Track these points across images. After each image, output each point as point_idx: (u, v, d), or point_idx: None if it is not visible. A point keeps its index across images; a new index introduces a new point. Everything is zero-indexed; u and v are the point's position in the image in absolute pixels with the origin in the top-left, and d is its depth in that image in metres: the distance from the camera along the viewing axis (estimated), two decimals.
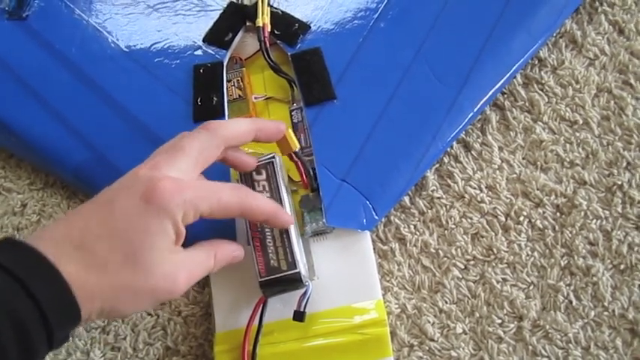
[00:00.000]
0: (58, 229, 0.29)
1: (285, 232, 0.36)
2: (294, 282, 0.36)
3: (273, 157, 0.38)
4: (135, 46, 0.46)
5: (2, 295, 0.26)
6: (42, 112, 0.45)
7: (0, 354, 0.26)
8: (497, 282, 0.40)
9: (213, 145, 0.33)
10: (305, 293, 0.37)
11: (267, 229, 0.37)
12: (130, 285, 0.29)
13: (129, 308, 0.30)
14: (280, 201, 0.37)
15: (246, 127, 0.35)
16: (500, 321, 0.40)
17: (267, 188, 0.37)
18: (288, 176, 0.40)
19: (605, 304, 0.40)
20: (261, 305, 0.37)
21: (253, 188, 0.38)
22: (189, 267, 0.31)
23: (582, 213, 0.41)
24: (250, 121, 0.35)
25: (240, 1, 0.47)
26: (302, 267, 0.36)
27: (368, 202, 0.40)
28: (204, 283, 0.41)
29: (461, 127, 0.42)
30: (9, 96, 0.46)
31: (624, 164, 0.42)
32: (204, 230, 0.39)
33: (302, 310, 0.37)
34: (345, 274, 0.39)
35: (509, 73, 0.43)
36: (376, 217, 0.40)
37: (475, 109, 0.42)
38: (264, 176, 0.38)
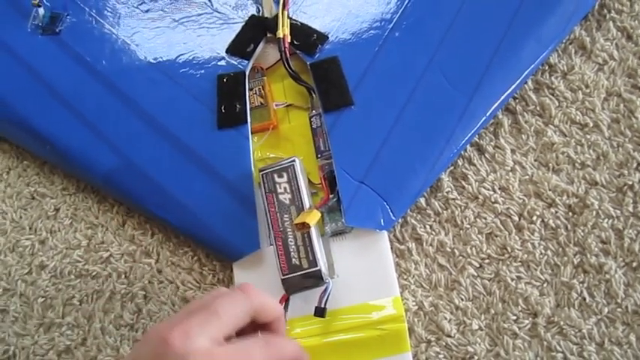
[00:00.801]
0: None
1: (306, 232, 0.38)
2: (315, 279, 0.38)
3: (294, 160, 0.40)
4: (161, 57, 0.49)
5: None
6: (74, 121, 0.47)
7: None
8: (512, 280, 0.42)
9: (247, 311, 0.32)
10: (325, 290, 0.39)
11: (289, 229, 0.38)
12: None
13: None
14: (301, 202, 0.39)
15: (277, 311, 0.34)
16: (515, 317, 0.41)
17: (287, 190, 0.39)
18: (308, 179, 0.42)
19: (619, 300, 0.41)
20: (284, 302, 0.39)
21: (275, 190, 0.39)
22: None
23: (594, 212, 0.43)
24: (280, 309, 0.34)
25: (261, 14, 0.50)
26: (322, 265, 0.38)
27: (385, 203, 0.41)
28: (228, 281, 0.43)
29: (474, 131, 0.43)
30: (43, 106, 0.48)
31: (635, 165, 0.44)
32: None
33: (323, 306, 0.38)
34: (364, 273, 0.40)
35: (520, 79, 0.44)
36: (393, 218, 0.42)
37: (487, 114, 0.43)
38: (285, 179, 0.40)
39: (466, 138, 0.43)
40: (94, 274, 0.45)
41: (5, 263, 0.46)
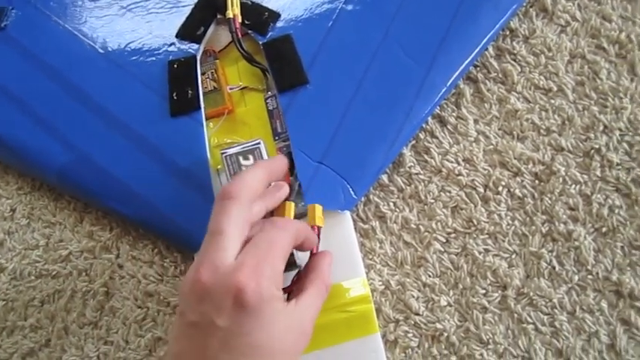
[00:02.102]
0: None
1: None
2: (290, 265, 0.37)
3: (259, 142, 0.39)
4: (110, 47, 0.47)
5: None
6: (24, 117, 0.46)
7: None
8: (480, 253, 0.41)
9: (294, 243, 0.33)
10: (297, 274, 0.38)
11: None
12: None
13: None
14: None
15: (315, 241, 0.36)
16: (484, 291, 0.40)
17: None
18: None
19: (589, 267, 0.40)
20: None
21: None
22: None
23: (561, 179, 0.41)
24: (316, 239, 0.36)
25: None
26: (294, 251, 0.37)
27: (346, 183, 0.40)
28: None
29: (434, 103, 0.42)
30: None
31: (601, 128, 0.42)
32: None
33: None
34: None
35: (479, 47, 0.43)
36: (355, 197, 0.40)
37: (447, 85, 0.42)
38: (251, 161, 0.38)
39: (426, 111, 0.42)
40: (54, 273, 0.44)
41: None
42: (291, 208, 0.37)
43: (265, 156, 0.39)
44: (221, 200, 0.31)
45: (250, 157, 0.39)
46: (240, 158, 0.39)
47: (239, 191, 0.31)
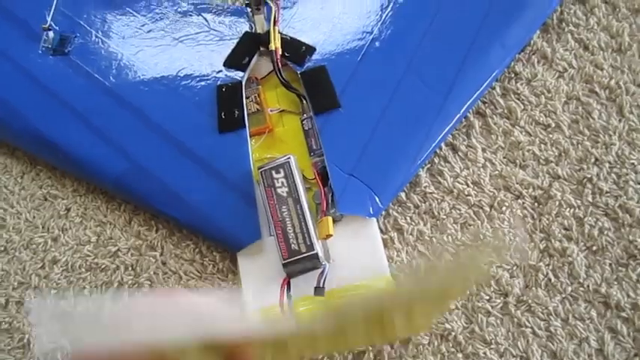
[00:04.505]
0: None
1: (303, 221, 0.43)
2: (312, 261, 0.42)
3: (289, 157, 0.45)
4: (164, 72, 0.53)
5: None
6: (86, 132, 0.51)
7: None
8: (484, 264, 0.46)
9: None
10: (323, 272, 0.43)
11: (287, 218, 0.43)
12: None
13: None
14: (297, 194, 0.43)
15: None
16: (488, 297, 0.45)
17: (285, 184, 0.44)
18: (303, 175, 0.46)
19: (581, 280, 0.45)
20: (287, 284, 0.43)
21: (274, 185, 0.44)
22: None
23: (557, 202, 0.47)
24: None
25: (254, 31, 0.55)
26: (319, 248, 0.42)
27: (373, 193, 0.46)
28: (227, 271, 0.47)
29: (449, 127, 0.48)
30: (56, 119, 0.52)
31: (593, 160, 0.48)
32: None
33: (321, 286, 0.42)
34: (357, 256, 0.44)
35: (488, 80, 0.50)
36: (381, 206, 0.46)
37: (461, 112, 0.49)
38: (282, 174, 0.44)
39: (442, 134, 0.48)
40: (102, 267, 0.49)
41: (20, 259, 0.50)
42: (329, 222, 0.43)
43: (295, 169, 0.44)
44: None
45: (281, 170, 0.44)
46: (273, 172, 0.44)
47: None
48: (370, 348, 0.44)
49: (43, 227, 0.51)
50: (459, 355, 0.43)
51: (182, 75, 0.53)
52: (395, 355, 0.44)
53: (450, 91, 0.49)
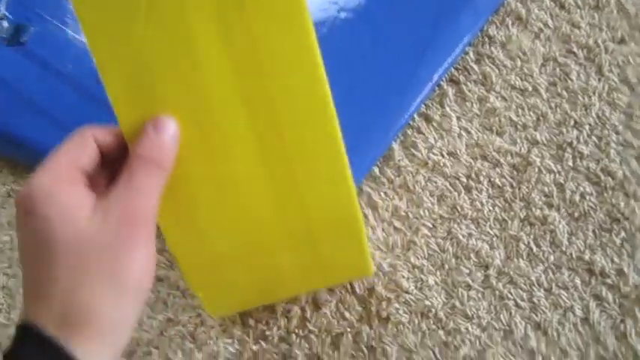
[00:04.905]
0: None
1: None
2: None
3: None
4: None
5: None
6: (45, 123, 0.49)
7: None
8: (463, 236, 0.44)
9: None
10: None
11: None
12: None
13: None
14: None
15: None
16: (468, 271, 0.43)
17: None
18: None
19: (563, 248, 0.43)
20: None
21: None
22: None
23: (536, 169, 0.45)
24: None
25: None
26: None
27: None
28: None
29: (421, 97, 0.47)
30: (14, 112, 0.50)
31: (572, 123, 0.47)
32: None
33: None
34: None
35: (460, 46, 0.48)
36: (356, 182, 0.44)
37: (433, 80, 0.47)
38: None
39: (415, 104, 0.46)
40: None
41: None
42: None
43: None
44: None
45: None
46: None
47: None
48: (348, 330, 0.42)
49: (8, 225, 0.50)
50: (441, 332, 0.42)
51: None
52: (374, 335, 0.42)
53: (421, 59, 0.47)
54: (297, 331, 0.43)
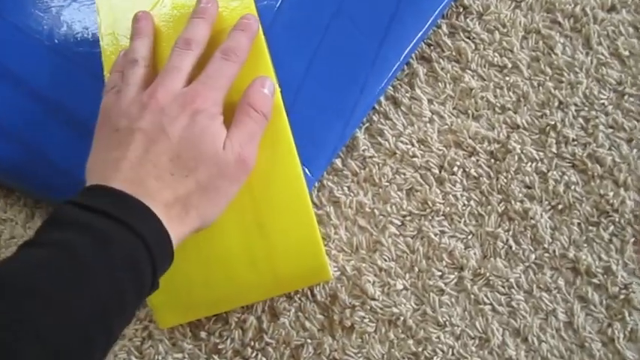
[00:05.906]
0: (125, 169, 0.32)
1: None
2: None
3: None
4: (57, 39, 0.46)
5: (118, 239, 0.29)
6: None
7: (120, 296, 0.28)
8: (435, 235, 0.40)
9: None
10: None
11: None
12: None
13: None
14: None
15: None
16: (440, 273, 0.39)
17: None
18: None
19: (546, 245, 0.39)
20: None
21: None
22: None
23: (516, 157, 0.41)
24: None
25: None
26: None
27: (301, 163, 0.39)
28: None
29: (388, 78, 0.42)
30: None
31: (556, 104, 0.42)
32: None
33: None
34: None
35: (432, 18, 0.42)
36: (312, 177, 0.40)
37: (400, 59, 0.42)
38: None
39: (381, 86, 0.41)
40: None
41: None
42: None
43: None
44: (182, 48, 0.36)
45: None
46: None
47: (198, 44, 0.37)
48: (309, 341, 0.38)
49: None
50: (410, 341, 0.38)
51: (77, 40, 0.46)
52: (338, 346, 0.38)
53: (386, 34, 0.42)
54: (253, 343, 0.39)
